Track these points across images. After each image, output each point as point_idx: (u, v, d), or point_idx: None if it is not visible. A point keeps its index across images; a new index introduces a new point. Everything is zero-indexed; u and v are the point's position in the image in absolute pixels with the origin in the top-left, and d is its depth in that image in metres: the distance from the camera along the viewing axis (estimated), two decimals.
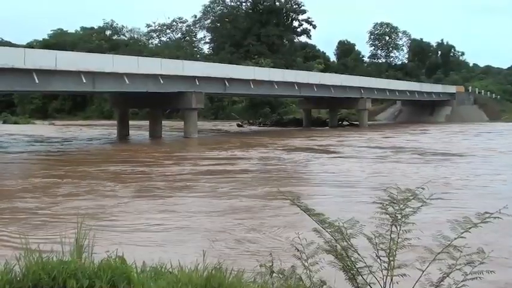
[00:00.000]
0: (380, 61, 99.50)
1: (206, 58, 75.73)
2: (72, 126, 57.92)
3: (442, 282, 3.65)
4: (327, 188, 15.38)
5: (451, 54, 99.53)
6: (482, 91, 76.58)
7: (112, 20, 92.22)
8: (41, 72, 27.68)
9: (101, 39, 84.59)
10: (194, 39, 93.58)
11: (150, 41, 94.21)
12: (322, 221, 3.95)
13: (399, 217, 3.77)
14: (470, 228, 3.64)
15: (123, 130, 41.34)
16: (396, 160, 22.74)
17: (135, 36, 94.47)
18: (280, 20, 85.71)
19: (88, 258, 3.89)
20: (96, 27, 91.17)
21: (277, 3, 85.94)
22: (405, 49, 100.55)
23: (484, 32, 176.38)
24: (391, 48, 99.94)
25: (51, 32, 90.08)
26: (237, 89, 42.58)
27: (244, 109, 70.11)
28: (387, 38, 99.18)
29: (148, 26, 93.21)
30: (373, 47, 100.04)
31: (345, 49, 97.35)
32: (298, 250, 4.07)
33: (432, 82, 78.85)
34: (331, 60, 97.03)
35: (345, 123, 60.20)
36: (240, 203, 12.54)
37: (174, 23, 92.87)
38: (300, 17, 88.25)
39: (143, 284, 3.67)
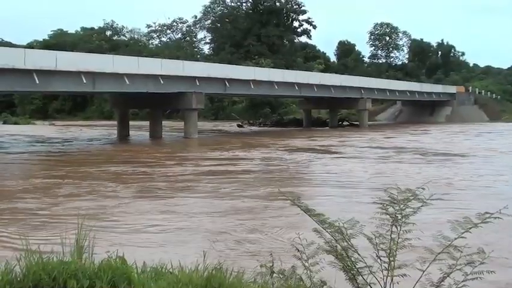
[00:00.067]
0: (380, 61, 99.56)
1: (206, 58, 75.76)
2: (73, 126, 57.95)
3: (442, 283, 3.65)
4: (330, 188, 15.32)
5: (451, 54, 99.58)
6: (483, 91, 76.59)
7: (112, 21, 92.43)
8: (41, 72, 27.69)
9: (101, 40, 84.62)
10: (194, 39, 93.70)
11: (150, 42, 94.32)
12: (322, 221, 3.95)
13: (399, 217, 3.77)
14: (470, 228, 3.64)
15: (123, 130, 41.34)
16: (398, 160, 22.71)
17: (135, 36, 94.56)
18: (281, 21, 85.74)
19: (88, 259, 3.90)
20: (96, 28, 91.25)
21: (277, 4, 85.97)
22: (405, 49, 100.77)
23: (484, 32, 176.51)
24: (391, 49, 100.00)
25: (52, 32, 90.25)
26: (237, 89, 42.60)
27: (244, 109, 70.16)
28: (387, 38, 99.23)
29: (148, 26, 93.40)
30: (373, 47, 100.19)
31: (345, 49, 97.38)
32: (298, 250, 4.07)
33: (432, 82, 78.87)
34: (332, 60, 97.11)
35: (345, 123, 60.20)
36: (242, 204, 12.50)
37: (174, 24, 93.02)
38: (300, 17, 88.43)
39: (144, 284, 3.67)
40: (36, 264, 3.67)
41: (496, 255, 4.45)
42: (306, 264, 4.00)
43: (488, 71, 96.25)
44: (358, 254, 3.83)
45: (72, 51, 48.85)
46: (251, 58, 73.60)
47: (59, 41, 78.48)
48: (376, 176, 17.52)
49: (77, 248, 4.00)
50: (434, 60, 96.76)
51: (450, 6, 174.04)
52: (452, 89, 73.78)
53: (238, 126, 57.93)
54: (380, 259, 3.75)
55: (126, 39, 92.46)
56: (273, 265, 4.17)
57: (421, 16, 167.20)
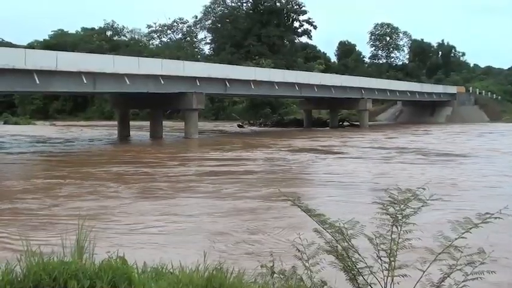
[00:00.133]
0: (381, 61, 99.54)
1: (207, 59, 75.78)
2: (73, 127, 57.99)
3: (442, 283, 3.65)
4: (333, 189, 15.28)
5: (452, 54, 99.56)
6: (483, 91, 76.57)
7: (113, 21, 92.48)
8: (41, 72, 27.71)
9: (102, 40, 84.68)
10: (195, 39, 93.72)
11: (150, 42, 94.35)
12: (322, 221, 3.95)
13: (400, 217, 3.77)
14: (470, 228, 3.64)
15: (123, 131, 41.36)
16: (401, 161, 22.67)
17: (136, 36, 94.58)
18: (281, 21, 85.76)
19: (89, 259, 3.90)
20: (96, 28, 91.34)
21: (277, 4, 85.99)
22: (406, 49, 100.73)
23: (484, 33, 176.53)
24: (391, 49, 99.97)
25: (52, 32, 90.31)
26: (238, 89, 42.61)
27: (244, 110, 70.16)
28: (388, 38, 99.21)
29: (149, 26, 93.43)
30: (374, 48, 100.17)
31: (346, 50, 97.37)
32: (299, 251, 4.07)
33: (433, 82, 78.86)
34: (332, 60, 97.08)
35: (346, 123, 60.18)
36: (244, 205, 12.46)
37: (175, 24, 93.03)
38: (301, 17, 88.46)
39: (144, 284, 3.68)
40: (37, 264, 3.67)
41: (497, 255, 4.46)
42: (307, 264, 4.00)
43: (489, 72, 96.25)
44: (359, 254, 3.83)
45: (73, 51, 48.88)
46: (251, 58, 73.62)
47: (59, 41, 78.54)
48: (379, 176, 17.48)
49: (78, 248, 4.00)
50: (435, 61, 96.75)
51: (450, 6, 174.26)
52: (452, 90, 73.78)
53: (239, 126, 57.94)
54: (380, 259, 3.75)
55: (127, 39, 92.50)
56: (273, 265, 4.17)
57: (421, 16, 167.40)
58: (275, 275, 4.11)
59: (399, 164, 21.31)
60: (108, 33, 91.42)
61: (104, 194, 13.93)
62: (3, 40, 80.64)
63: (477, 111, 72.06)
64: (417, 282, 3.71)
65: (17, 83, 27.56)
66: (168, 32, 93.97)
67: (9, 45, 65.39)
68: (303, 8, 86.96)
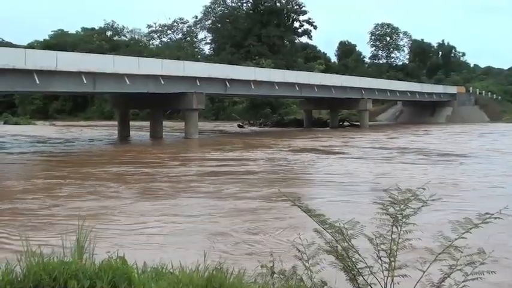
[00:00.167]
0: (381, 62, 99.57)
1: (207, 59, 75.79)
2: (73, 127, 57.99)
3: (443, 283, 3.65)
4: (335, 189, 15.23)
5: (452, 54, 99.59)
6: (483, 92, 76.56)
7: (113, 21, 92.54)
8: (41, 72, 27.71)
9: (102, 40, 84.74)
10: (195, 39, 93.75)
11: (150, 42, 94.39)
12: (322, 221, 3.95)
13: (400, 217, 3.77)
14: (471, 228, 3.64)
15: (123, 131, 41.36)
16: (403, 161, 22.64)
17: (136, 36, 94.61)
18: (281, 21, 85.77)
19: (89, 259, 3.90)
20: (96, 28, 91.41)
21: (278, 4, 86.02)
22: (406, 50, 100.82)
23: (484, 33, 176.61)
24: (392, 49, 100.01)
25: (52, 32, 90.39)
26: (238, 89, 42.61)
27: (245, 110, 70.16)
28: (388, 38, 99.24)
29: (149, 26, 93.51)
30: (374, 48, 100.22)
31: (346, 50, 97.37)
32: (299, 251, 4.07)
33: (433, 83, 78.85)
34: (332, 60, 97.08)
35: (346, 123, 60.18)
36: (245, 205, 12.44)
37: (175, 24, 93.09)
38: (301, 17, 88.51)
39: (144, 284, 3.68)
40: (37, 264, 3.67)
41: (497, 255, 4.46)
42: (307, 264, 4.00)
43: (489, 72, 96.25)
44: (359, 255, 3.83)
45: (73, 51, 48.91)
46: (251, 58, 73.63)
47: (59, 41, 78.58)
48: (381, 176, 17.45)
49: (78, 248, 4.00)
50: (435, 61, 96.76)
51: (450, 6, 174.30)
52: (452, 90, 73.77)
53: (239, 126, 57.94)
54: (381, 259, 3.75)
55: (127, 39, 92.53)
56: (273, 265, 4.17)
57: (421, 16, 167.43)
58: (275, 275, 4.11)
59: (400, 164, 21.27)
60: (108, 33, 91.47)
61: (104, 194, 13.93)
62: (3, 40, 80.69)
63: (477, 111, 72.05)
64: (417, 283, 3.71)
65: (17, 83, 27.57)
66: (168, 32, 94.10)
67: (9, 45, 65.42)
68: (303, 8, 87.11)
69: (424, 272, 3.69)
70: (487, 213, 3.70)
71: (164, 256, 5.34)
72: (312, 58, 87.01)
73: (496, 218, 3.65)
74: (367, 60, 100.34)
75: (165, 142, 37.43)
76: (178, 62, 39.61)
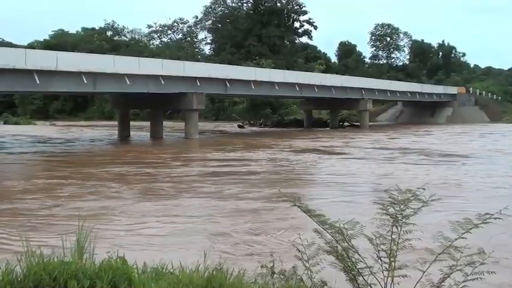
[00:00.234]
0: (381, 62, 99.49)
1: (207, 59, 75.77)
2: (73, 127, 57.99)
3: (442, 283, 3.65)
4: (337, 189, 15.19)
5: (452, 55, 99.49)
6: (483, 92, 76.54)
7: (113, 21, 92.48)
8: (42, 72, 27.71)
9: (102, 40, 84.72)
10: (195, 39, 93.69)
11: (151, 42, 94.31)
12: (323, 222, 3.95)
13: (400, 218, 3.77)
14: (470, 229, 3.64)
15: (124, 131, 41.35)
16: (405, 161, 22.63)
17: (136, 37, 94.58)
18: (281, 21, 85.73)
19: (89, 259, 3.90)
20: (97, 28, 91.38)
21: (278, 4, 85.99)
22: (406, 50, 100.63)
23: (484, 33, 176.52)
24: (392, 49, 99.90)
25: (52, 32, 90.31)
26: (238, 89, 42.61)
27: (245, 110, 70.14)
28: (388, 39, 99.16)
29: (149, 26, 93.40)
30: (374, 48, 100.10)
31: (346, 50, 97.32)
32: (299, 251, 4.07)
33: (433, 83, 78.86)
34: (332, 61, 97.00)
35: (346, 124, 60.16)
36: (247, 205, 12.41)
37: (175, 24, 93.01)
38: (301, 17, 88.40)
39: (144, 284, 3.68)
40: (37, 264, 3.67)
41: (497, 255, 4.45)
42: (307, 264, 4.00)
43: (489, 72, 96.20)
44: (359, 255, 3.83)
45: (73, 51, 48.89)
46: (252, 58, 73.59)
47: (59, 41, 78.57)
48: (383, 177, 17.42)
49: (78, 248, 4.00)
50: (435, 61, 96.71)
51: (451, 6, 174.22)
52: (453, 90, 73.77)
53: (239, 126, 57.93)
54: (381, 260, 3.75)
55: (127, 39, 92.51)
56: (273, 266, 4.17)
57: (421, 17, 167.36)
58: (275, 276, 4.11)
59: (403, 165, 21.25)
60: (109, 33, 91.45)
61: (105, 195, 13.93)
62: (3, 40, 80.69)
63: (477, 111, 72.05)
64: (417, 283, 3.71)
65: (17, 83, 27.57)
66: (169, 32, 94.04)
67: (10, 45, 65.43)
68: (304, 9, 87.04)
69: (424, 272, 3.69)
70: (487, 214, 3.70)
71: (164, 256, 5.35)
72: (312, 58, 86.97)
73: (496, 218, 3.65)
74: (367, 60, 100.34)
75: (166, 142, 37.43)
76: (179, 62, 39.59)
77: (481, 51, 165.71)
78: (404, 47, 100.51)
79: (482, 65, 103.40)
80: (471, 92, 75.91)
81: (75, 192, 14.33)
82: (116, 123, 43.72)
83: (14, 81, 27.25)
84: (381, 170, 19.57)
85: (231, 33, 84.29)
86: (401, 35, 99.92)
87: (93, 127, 57.18)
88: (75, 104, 79.97)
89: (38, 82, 27.56)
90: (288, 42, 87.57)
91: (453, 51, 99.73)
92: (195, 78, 36.90)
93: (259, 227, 10.02)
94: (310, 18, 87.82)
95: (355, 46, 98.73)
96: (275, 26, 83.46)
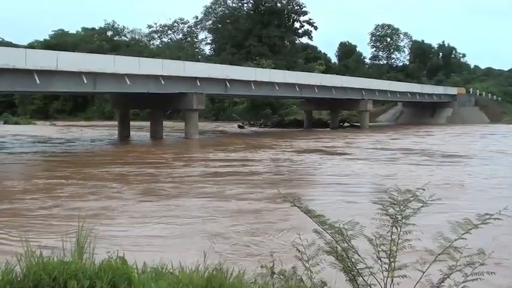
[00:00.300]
0: (381, 62, 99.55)
1: (207, 59, 75.79)
2: (73, 127, 58.01)
3: (442, 283, 3.65)
4: (340, 190, 15.12)
5: (452, 56, 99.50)
6: (483, 93, 76.55)
7: (113, 21, 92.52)
8: (42, 72, 27.71)
9: (102, 40, 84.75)
10: (195, 40, 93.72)
11: (151, 42, 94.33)
12: (322, 222, 3.95)
13: (399, 218, 3.76)
14: (470, 229, 3.63)
15: (124, 131, 41.35)
16: (408, 162, 22.58)
17: (136, 37, 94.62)
18: (282, 21, 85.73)
19: (89, 259, 3.89)
20: (97, 28, 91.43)
21: (278, 5, 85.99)
22: (406, 51, 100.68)
23: (485, 34, 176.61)
24: (392, 50, 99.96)
25: (52, 32, 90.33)
26: (238, 90, 42.61)
27: (245, 110, 70.11)
28: (388, 39, 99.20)
29: (149, 26, 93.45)
30: (375, 49, 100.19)
31: (346, 50, 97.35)
32: (299, 251, 4.07)
33: (433, 84, 78.87)
34: (333, 61, 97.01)
35: (346, 124, 60.16)
36: (249, 206, 12.39)
37: (175, 24, 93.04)
38: (302, 18, 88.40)
39: (144, 284, 3.68)
40: (37, 264, 3.67)
41: (497, 256, 4.46)
42: (307, 265, 4.00)
43: (489, 73, 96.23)
44: (359, 255, 3.83)
45: (73, 51, 48.87)
46: (252, 59, 73.54)
47: (59, 41, 78.55)
48: (386, 178, 17.36)
49: (78, 248, 4.00)
50: (435, 62, 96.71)
51: (451, 7, 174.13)
52: (453, 91, 73.77)
53: (239, 127, 57.92)
54: (380, 260, 3.75)
55: (127, 39, 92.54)
56: (273, 266, 4.17)
57: (422, 17, 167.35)
58: (275, 276, 4.11)
59: (406, 166, 21.20)
60: (109, 33, 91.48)
61: (106, 195, 13.92)
62: (3, 40, 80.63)
63: (477, 112, 72.05)
64: (417, 283, 3.71)
65: (17, 82, 27.56)
66: (169, 32, 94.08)
67: (10, 45, 65.34)
68: (304, 9, 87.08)
69: (423, 273, 3.69)
70: (486, 214, 3.70)
71: (165, 257, 5.34)
72: (312, 59, 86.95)
73: (495, 219, 3.65)
74: (367, 61, 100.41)
75: (165, 142, 37.42)
76: (179, 62, 39.60)
77: (481, 52, 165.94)
78: (404, 47, 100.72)
79: (483, 66, 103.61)
80: (471, 92, 75.93)
81: (75, 192, 14.32)
82: (116, 123, 43.72)
83: (14, 81, 27.24)
84: (384, 170, 19.52)
85: (231, 34, 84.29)
86: (402, 36, 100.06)
87: (93, 127, 57.18)
88: (75, 104, 79.98)
89: (38, 82, 27.55)
90: (288, 43, 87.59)
91: (453, 52, 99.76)
92: (195, 78, 36.90)
93: (260, 228, 10.00)
94: (310, 19, 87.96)
95: (355, 47, 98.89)
96: (275, 26, 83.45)
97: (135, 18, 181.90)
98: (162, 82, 34.42)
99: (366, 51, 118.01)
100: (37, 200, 12.93)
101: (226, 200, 13.25)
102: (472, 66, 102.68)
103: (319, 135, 42.23)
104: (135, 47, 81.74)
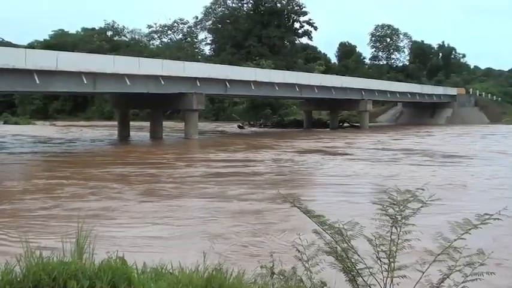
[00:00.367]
0: (381, 63, 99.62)
1: (207, 59, 75.78)
2: (73, 127, 58.01)
3: (442, 284, 3.65)
4: (343, 190, 15.12)
5: (452, 56, 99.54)
6: (483, 93, 76.58)
7: (113, 21, 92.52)
8: (41, 72, 27.71)
9: (102, 40, 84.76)
10: (195, 40, 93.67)
11: (151, 42, 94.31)
12: (322, 222, 3.95)
13: (399, 218, 3.77)
14: (470, 229, 3.64)
15: (123, 131, 41.36)
16: (410, 163, 22.57)
17: (136, 37, 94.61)
18: (282, 22, 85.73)
19: (89, 259, 3.89)
20: (97, 28, 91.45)
21: (278, 5, 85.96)
22: (406, 51, 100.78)
23: (485, 34, 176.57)
24: (392, 50, 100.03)
25: (52, 32, 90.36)
26: (238, 90, 42.61)
27: (245, 110, 70.09)
28: (388, 39, 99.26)
29: (149, 27, 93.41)
30: (374, 49, 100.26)
31: (346, 51, 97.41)
32: (299, 251, 4.07)
33: (433, 84, 78.90)
34: (332, 61, 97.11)
35: (346, 124, 60.17)
36: (251, 206, 12.37)
37: (175, 24, 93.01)
38: (301, 18, 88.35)
39: (144, 284, 3.67)
40: (36, 264, 3.66)
41: (496, 256, 4.46)
42: (307, 265, 4.00)
43: (489, 73, 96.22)
44: (358, 255, 3.83)
45: (73, 51, 48.82)
46: (252, 59, 73.50)
47: (59, 41, 78.55)
48: (390, 178, 17.30)
49: (77, 248, 4.00)
50: (435, 62, 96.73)
51: (451, 8, 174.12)
52: (453, 91, 73.79)
53: (239, 127, 57.90)
54: (380, 260, 3.75)
55: (127, 39, 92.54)
56: (273, 266, 4.17)
57: (422, 18, 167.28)
58: (275, 276, 4.11)
59: (407, 166, 21.18)
60: (109, 33, 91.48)
61: (107, 195, 13.92)
62: (3, 40, 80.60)
63: (477, 112, 72.07)
64: (416, 283, 3.71)
65: (17, 82, 27.56)
66: (169, 32, 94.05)
67: (10, 45, 65.28)
68: (304, 9, 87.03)
69: (423, 273, 3.69)
70: (486, 214, 3.70)
71: (165, 257, 5.34)
72: (312, 59, 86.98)
73: (495, 219, 3.65)
74: (367, 61, 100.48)
75: (165, 142, 37.42)
76: (179, 63, 39.60)
77: (481, 52, 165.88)
78: (404, 47, 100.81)
79: (482, 66, 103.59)
80: (471, 93, 75.96)
81: (76, 192, 14.31)
82: (116, 123, 43.75)
83: (14, 81, 27.24)
84: (385, 171, 19.49)
85: (231, 34, 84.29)
86: (401, 36, 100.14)
87: (93, 127, 57.19)
88: (75, 104, 79.99)
89: (37, 82, 27.55)
90: (288, 43, 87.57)
91: (453, 52, 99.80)
92: (195, 78, 36.90)
93: (261, 229, 9.99)
94: (310, 19, 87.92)
95: (355, 47, 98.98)
96: (275, 26, 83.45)
97: (135, 18, 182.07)
98: (162, 82, 34.43)
99: (366, 51, 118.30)
100: (37, 201, 12.92)
101: (228, 200, 13.24)
102: (472, 67, 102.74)
103: (319, 136, 42.22)
104: (135, 47, 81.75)
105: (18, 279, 3.59)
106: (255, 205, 12.50)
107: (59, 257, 3.84)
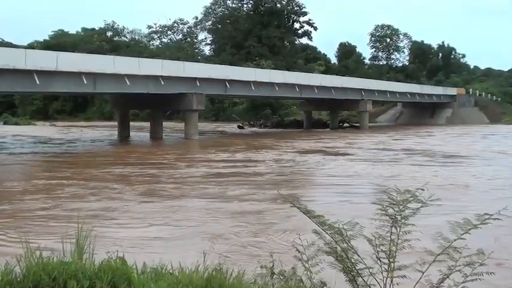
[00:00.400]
0: (381, 63, 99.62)
1: (207, 59, 75.78)
2: (73, 127, 58.01)
3: (442, 284, 3.65)
4: (344, 191, 15.09)
5: (452, 56, 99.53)
6: (483, 93, 76.57)
7: (113, 21, 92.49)
8: (41, 73, 27.71)
9: (102, 41, 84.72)
10: (195, 40, 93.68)
11: (151, 42, 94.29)
12: (322, 222, 3.95)
13: (399, 218, 3.77)
14: (470, 229, 3.64)
15: (123, 131, 41.36)
16: (411, 163, 22.55)
17: (136, 37, 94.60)
18: (282, 22, 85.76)
19: (89, 259, 3.89)
20: (97, 29, 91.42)
21: (278, 5, 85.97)
22: (406, 51, 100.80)
23: (485, 34, 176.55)
24: (392, 50, 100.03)
25: (52, 32, 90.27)
26: (238, 90, 42.61)
27: (245, 110, 70.11)
28: (388, 40, 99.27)
29: (149, 27, 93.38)
30: (374, 49, 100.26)
31: (346, 51, 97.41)
32: (299, 251, 4.07)
33: (433, 84, 78.89)
34: (332, 62, 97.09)
35: (346, 125, 60.17)
36: (251, 207, 12.36)
37: (175, 25, 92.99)
38: (301, 18, 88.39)
39: (143, 285, 3.68)
40: (36, 264, 3.66)
41: (496, 256, 4.45)
42: (306, 265, 4.00)
43: (489, 73, 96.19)
44: (358, 256, 3.83)
45: (73, 51, 48.81)
46: (252, 59, 73.51)
47: (59, 42, 78.54)
48: (391, 178, 17.27)
49: (77, 248, 4.00)
50: (435, 62, 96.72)
51: (451, 8, 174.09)
52: (452, 91, 73.78)
53: (239, 127, 57.90)
54: (380, 260, 3.75)
55: (127, 40, 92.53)
56: (273, 266, 4.17)
57: (421, 18, 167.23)
58: (275, 276, 4.11)
59: (409, 166, 21.16)
60: (109, 33, 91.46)
61: (108, 196, 13.92)
62: (3, 40, 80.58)
63: (477, 113, 72.06)
64: (416, 283, 3.71)
65: (17, 83, 27.56)
66: (169, 32, 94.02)
67: (9, 45, 65.27)
68: (304, 10, 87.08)
69: (423, 273, 3.69)
70: (486, 214, 3.70)
71: (165, 257, 5.34)
72: (312, 59, 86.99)
73: (495, 219, 3.65)
74: (367, 61, 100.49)
75: (165, 143, 37.41)
76: (179, 63, 39.60)
77: (481, 52, 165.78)
78: (404, 48, 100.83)
79: (482, 66, 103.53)
80: (471, 93, 75.96)
81: (76, 193, 14.31)
82: (116, 123, 43.74)
83: (14, 81, 27.24)
84: (387, 171, 19.47)
85: (231, 34, 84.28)
86: (401, 36, 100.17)
87: (93, 127, 57.18)
88: (75, 105, 79.98)
89: (37, 82, 27.55)
90: (288, 43, 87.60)
91: (453, 53, 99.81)
92: (195, 78, 36.90)
93: (261, 229, 9.99)
94: (310, 19, 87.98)
95: (355, 47, 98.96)
96: (275, 27, 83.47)
97: (135, 18, 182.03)
98: (162, 82, 34.43)
99: (366, 51, 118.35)
100: (37, 201, 12.92)
101: (228, 201, 13.23)
102: (471, 67, 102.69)
103: (319, 136, 42.22)
104: (135, 48, 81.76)
105: (18, 279, 3.59)
106: (256, 205, 12.49)
107: (59, 257, 3.84)
